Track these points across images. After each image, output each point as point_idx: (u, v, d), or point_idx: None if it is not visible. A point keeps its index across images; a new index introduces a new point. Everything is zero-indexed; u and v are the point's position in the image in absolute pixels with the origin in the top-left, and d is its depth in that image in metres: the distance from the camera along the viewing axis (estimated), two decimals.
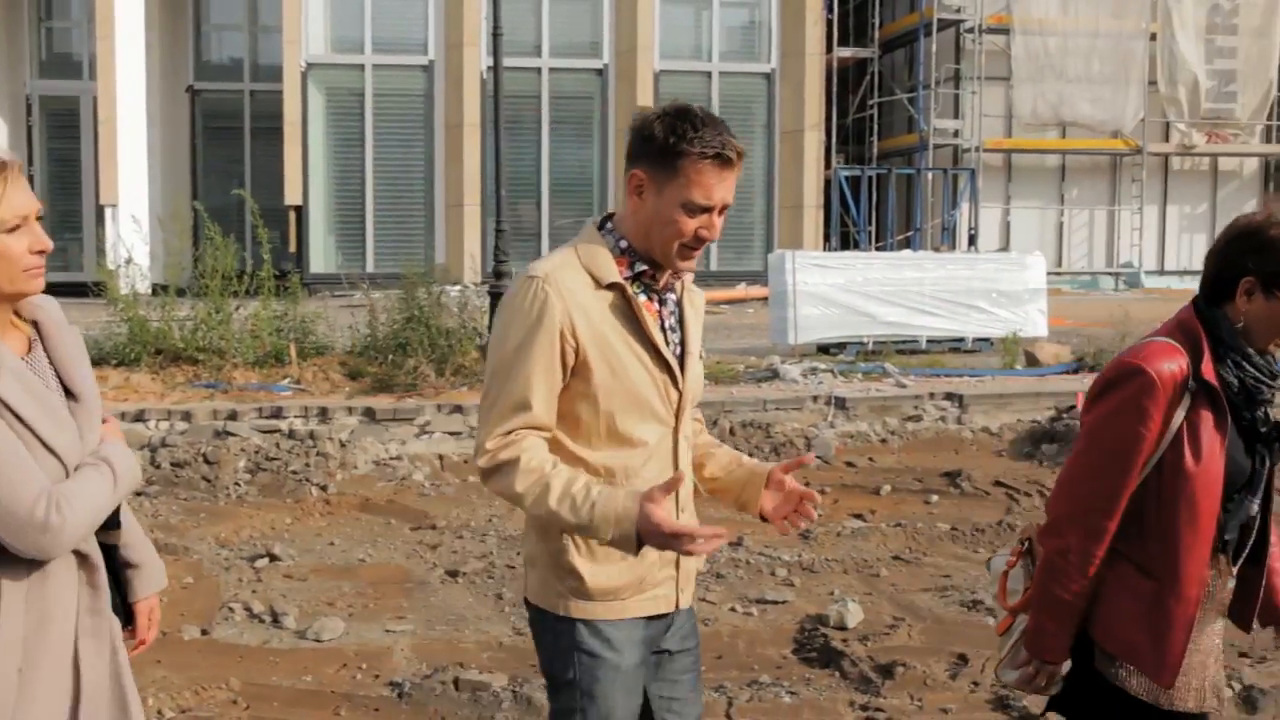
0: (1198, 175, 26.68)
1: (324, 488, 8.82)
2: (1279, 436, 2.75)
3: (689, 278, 2.79)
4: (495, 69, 13.52)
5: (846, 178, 24.71)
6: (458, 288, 13.82)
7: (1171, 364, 2.67)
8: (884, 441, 10.52)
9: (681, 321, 2.74)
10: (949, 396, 11.43)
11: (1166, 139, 25.68)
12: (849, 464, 9.94)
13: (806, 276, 13.58)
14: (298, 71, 21.82)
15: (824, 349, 13.82)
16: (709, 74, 23.21)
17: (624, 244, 2.65)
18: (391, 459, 9.57)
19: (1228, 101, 25.63)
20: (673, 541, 2.43)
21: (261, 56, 25.54)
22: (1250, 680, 5.27)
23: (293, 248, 22.23)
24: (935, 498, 8.72)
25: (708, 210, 2.58)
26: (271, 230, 13.05)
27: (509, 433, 2.53)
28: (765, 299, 16.10)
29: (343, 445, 9.54)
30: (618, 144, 22.71)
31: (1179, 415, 2.67)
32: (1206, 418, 2.68)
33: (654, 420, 2.64)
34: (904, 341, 13.98)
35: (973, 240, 24.14)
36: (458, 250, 20.97)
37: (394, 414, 10.38)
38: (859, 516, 8.27)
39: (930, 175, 24.90)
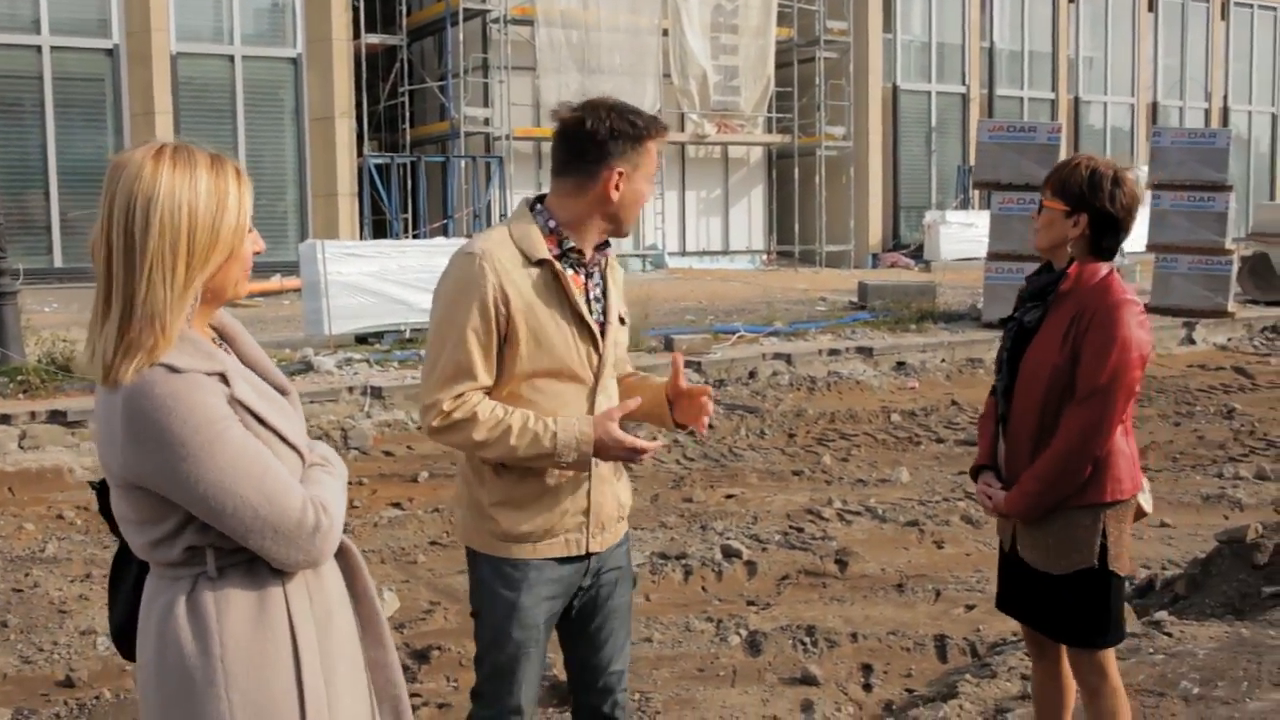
0: (711, 163, 28.64)
1: None
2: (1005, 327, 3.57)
3: (613, 252, 3.12)
4: None
5: (377, 165, 24.51)
6: None
7: None
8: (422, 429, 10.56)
9: (605, 292, 3.05)
10: None
11: (682, 129, 27.31)
12: (387, 453, 9.91)
13: (339, 266, 13.35)
14: None
15: (362, 339, 13.67)
16: (231, 57, 22.26)
17: (553, 224, 2.95)
18: None
19: (733, 95, 27.60)
20: (627, 454, 2.89)
21: None
22: (755, 626, 5.75)
23: None
24: None
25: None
26: None
27: (459, 395, 2.88)
28: (300, 290, 15.69)
29: None
30: (134, 128, 21.31)
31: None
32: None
33: (574, 382, 2.96)
34: None
35: None
36: None
37: None
38: (397, 505, 8.28)
39: (462, 163, 25.15)
